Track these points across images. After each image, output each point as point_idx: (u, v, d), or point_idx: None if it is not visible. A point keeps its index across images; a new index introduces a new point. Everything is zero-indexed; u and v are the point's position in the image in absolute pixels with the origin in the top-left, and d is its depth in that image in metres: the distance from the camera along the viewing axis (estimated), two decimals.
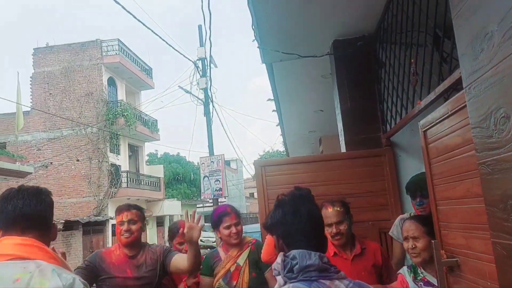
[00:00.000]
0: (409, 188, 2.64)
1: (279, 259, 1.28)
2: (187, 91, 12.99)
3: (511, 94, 1.21)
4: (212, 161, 13.10)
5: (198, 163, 16.80)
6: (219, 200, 13.29)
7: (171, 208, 23.77)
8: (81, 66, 19.87)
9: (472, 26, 1.41)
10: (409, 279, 2.17)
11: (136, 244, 2.59)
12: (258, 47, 4.00)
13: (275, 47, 3.91)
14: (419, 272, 2.17)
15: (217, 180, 12.96)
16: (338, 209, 2.42)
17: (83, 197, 18.84)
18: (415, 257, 2.16)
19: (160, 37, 9.01)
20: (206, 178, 13.06)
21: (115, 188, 18.90)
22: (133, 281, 2.47)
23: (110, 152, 19.66)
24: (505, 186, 1.28)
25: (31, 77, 20.20)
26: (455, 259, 1.98)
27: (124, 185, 19.25)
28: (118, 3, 6.43)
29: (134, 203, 2.84)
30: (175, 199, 26.84)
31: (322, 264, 1.23)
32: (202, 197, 15.09)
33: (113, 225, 17.28)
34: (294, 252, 1.26)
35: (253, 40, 3.94)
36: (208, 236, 23.54)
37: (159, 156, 36.39)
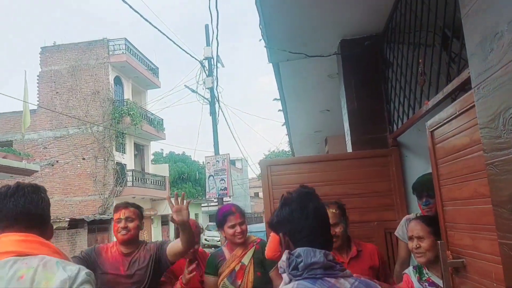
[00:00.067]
0: (416, 188, 2.63)
1: (284, 256, 1.28)
2: (193, 91, 13.03)
3: None
4: (217, 161, 13.12)
5: (203, 162, 16.85)
6: (224, 200, 13.31)
7: None
8: (88, 65, 19.98)
9: (481, 26, 1.41)
10: (414, 279, 2.17)
11: (132, 242, 2.59)
12: (265, 46, 4.00)
13: (282, 46, 3.91)
14: (424, 272, 2.16)
15: (222, 179, 12.98)
16: (334, 211, 2.40)
17: (89, 195, 18.95)
18: (420, 257, 2.16)
19: (167, 37, 9.05)
20: (211, 177, 13.08)
21: (121, 186, 19.00)
22: (125, 278, 2.47)
23: (116, 150, 19.77)
24: None
25: (38, 76, 20.35)
26: (461, 260, 1.97)
27: (129, 183, 19.34)
28: (125, 2, 6.46)
29: (132, 201, 2.85)
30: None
31: (327, 261, 1.23)
32: (207, 196, 15.12)
33: None
34: (299, 250, 1.26)
35: (260, 40, 3.94)
36: (212, 235, 23.58)
37: (164, 155, 36.52)
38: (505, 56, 1.26)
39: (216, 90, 12.57)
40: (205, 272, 2.72)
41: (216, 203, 14.76)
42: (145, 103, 23.10)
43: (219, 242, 18.82)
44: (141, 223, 2.67)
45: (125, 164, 20.34)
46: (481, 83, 1.44)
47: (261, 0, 3.13)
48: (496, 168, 1.37)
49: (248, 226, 2.79)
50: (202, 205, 32.17)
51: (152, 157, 26.96)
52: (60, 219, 15.24)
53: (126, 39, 20.65)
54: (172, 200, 2.40)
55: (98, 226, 17.30)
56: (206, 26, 12.96)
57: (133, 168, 20.80)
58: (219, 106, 12.87)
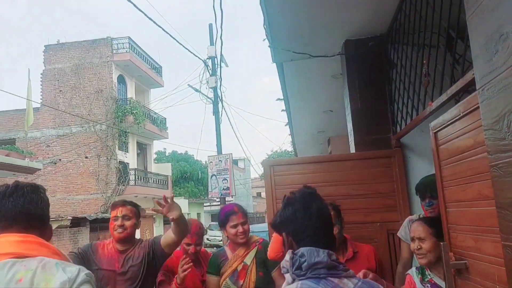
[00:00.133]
0: (419, 189, 2.63)
1: (287, 256, 1.28)
2: (196, 90, 13.06)
3: None
4: (220, 160, 13.15)
5: (206, 162, 16.87)
6: (226, 199, 13.33)
7: None
8: (91, 64, 20.04)
9: (487, 27, 1.40)
10: (416, 280, 2.17)
11: (128, 240, 2.60)
12: (269, 46, 4.00)
13: (286, 46, 3.91)
14: (426, 273, 2.17)
15: (225, 179, 13.01)
16: None
17: (91, 194, 19.01)
18: (421, 258, 2.16)
19: (171, 36, 9.03)
20: (213, 177, 13.11)
21: (123, 185, 19.04)
22: (119, 275, 2.49)
23: (119, 149, 19.82)
24: None
25: (41, 74, 20.42)
26: (464, 261, 1.96)
27: (132, 182, 19.39)
28: (129, 1, 6.47)
29: (135, 200, 2.86)
30: (183, 197, 26.95)
31: (330, 261, 1.23)
32: (209, 196, 15.16)
33: None
34: (302, 250, 1.26)
35: (264, 39, 3.94)
36: (214, 235, 23.61)
37: (167, 154, 36.61)
38: (510, 57, 1.26)
39: (220, 89, 12.60)
40: (207, 272, 2.73)
41: (219, 203, 14.77)
42: (148, 102, 23.15)
43: (221, 242, 18.83)
44: (138, 222, 2.68)
45: (127, 163, 20.39)
46: (486, 84, 1.43)
47: (266, 0, 3.13)
48: (500, 170, 1.37)
49: (250, 226, 2.79)
50: (205, 204, 32.22)
51: (154, 156, 27.02)
52: (62, 217, 15.29)
53: (130, 38, 20.70)
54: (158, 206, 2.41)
55: (100, 224, 17.33)
56: (210, 26, 12.99)
57: (136, 167, 20.85)
58: (222, 105, 12.91)
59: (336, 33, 3.75)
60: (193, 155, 35.39)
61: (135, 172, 19.87)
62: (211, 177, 13.23)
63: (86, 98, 19.73)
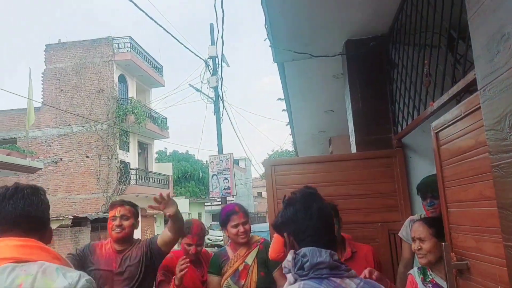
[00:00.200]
0: (420, 189, 2.63)
1: (289, 256, 1.28)
2: (197, 90, 13.07)
3: None
4: (221, 160, 13.17)
5: (207, 162, 16.89)
6: (227, 199, 13.34)
7: (180, 205, 23.65)
8: (93, 63, 20.05)
9: (488, 28, 1.40)
10: (418, 279, 2.18)
11: (127, 240, 2.61)
12: (270, 46, 4.00)
13: (287, 46, 3.91)
14: (428, 273, 2.17)
15: (226, 178, 13.03)
16: None
17: (92, 193, 19.03)
18: (421, 259, 2.17)
19: (172, 35, 9.05)
20: (214, 177, 13.13)
21: (124, 185, 19.06)
22: (116, 275, 2.49)
23: (120, 149, 19.84)
24: None
25: (42, 73, 20.44)
26: (465, 262, 1.97)
27: (133, 182, 19.41)
28: (131, 1, 6.48)
29: (128, 200, 2.86)
30: (184, 197, 26.97)
31: (332, 261, 1.23)
32: (210, 196, 15.17)
33: None
34: (304, 250, 1.26)
35: (265, 39, 3.94)
36: (215, 235, 23.63)
37: (168, 153, 36.64)
38: None
39: (221, 89, 12.61)
40: (208, 272, 2.73)
41: (220, 203, 14.80)
42: (149, 101, 23.17)
43: (222, 242, 18.85)
44: (136, 222, 2.69)
45: (128, 163, 20.41)
46: (487, 85, 1.43)
47: (267, 0, 3.13)
48: (501, 170, 1.37)
49: (251, 226, 2.79)
50: (205, 204, 32.24)
51: (155, 155, 27.04)
52: (63, 217, 15.32)
53: (130, 38, 20.70)
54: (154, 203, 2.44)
55: (101, 224, 17.34)
56: (211, 25, 12.99)
57: (137, 166, 20.87)
58: (223, 105, 12.91)
59: (337, 33, 3.75)
60: (194, 154, 35.45)
61: (136, 171, 19.89)
62: (212, 176, 13.24)
63: (87, 97, 19.75)
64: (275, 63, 4.52)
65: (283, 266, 1.31)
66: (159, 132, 22.84)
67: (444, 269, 2.01)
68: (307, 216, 1.31)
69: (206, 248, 3.22)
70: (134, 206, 2.70)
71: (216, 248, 18.74)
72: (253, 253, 2.66)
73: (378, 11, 3.36)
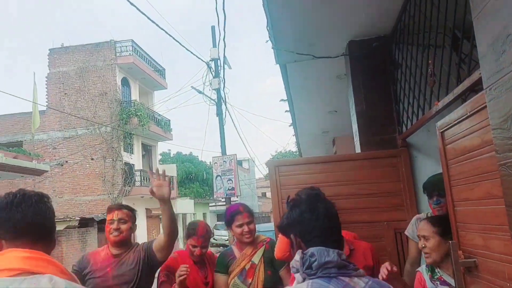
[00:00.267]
0: (426, 188, 2.64)
1: (297, 256, 1.29)
2: (199, 92, 13.07)
3: None
4: (224, 161, 13.17)
5: (210, 163, 16.89)
6: (231, 199, 13.36)
7: (184, 206, 23.94)
8: (96, 67, 20.13)
9: (493, 27, 1.41)
10: (426, 277, 2.19)
11: (124, 244, 2.61)
12: (272, 47, 4.01)
13: (290, 47, 3.92)
14: (436, 271, 2.18)
15: (230, 179, 13.03)
16: None
17: (98, 195, 19.10)
18: (426, 257, 2.19)
19: (174, 38, 9.06)
20: (218, 178, 13.13)
21: (129, 186, 19.12)
22: (112, 279, 2.49)
23: (124, 151, 19.90)
24: None
25: (46, 77, 20.55)
26: (473, 259, 1.97)
27: (137, 183, 19.46)
28: (132, 4, 6.51)
29: (126, 204, 2.88)
30: (188, 197, 27.02)
31: (341, 261, 1.24)
32: (214, 196, 15.18)
33: None
34: (312, 249, 1.26)
35: (267, 41, 3.95)
36: (220, 235, 23.67)
37: (172, 155, 36.69)
38: None
39: (223, 91, 12.62)
40: (215, 271, 2.75)
41: (224, 203, 14.81)
42: (152, 104, 23.22)
43: (228, 242, 18.86)
44: (134, 225, 2.69)
45: (133, 164, 20.47)
46: (493, 84, 1.44)
47: (269, 2, 3.14)
48: (509, 169, 1.38)
49: (256, 226, 2.80)
50: (210, 204, 32.28)
51: (159, 157, 27.09)
52: (70, 218, 15.37)
53: (133, 41, 20.77)
54: (154, 176, 2.49)
55: None
56: (213, 28, 13.01)
57: (141, 168, 20.92)
58: (226, 107, 12.92)
59: (340, 34, 3.75)
60: (197, 156, 35.48)
61: (140, 173, 19.94)
62: (216, 177, 13.25)
63: (91, 100, 19.83)
64: (277, 64, 4.53)
65: (291, 266, 1.32)
66: (163, 134, 22.89)
67: (452, 267, 2.02)
68: (314, 217, 1.31)
69: (212, 248, 3.23)
70: (131, 210, 2.71)
71: (221, 248, 18.77)
72: (260, 252, 2.68)
73: (381, 12, 3.37)
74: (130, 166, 19.96)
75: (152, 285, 2.66)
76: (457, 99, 2.26)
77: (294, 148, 28.23)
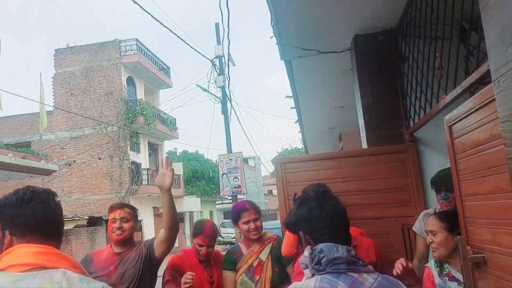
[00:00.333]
0: (434, 183, 2.61)
1: (306, 252, 1.29)
2: (204, 90, 13.08)
3: None
4: (230, 159, 13.18)
5: (216, 161, 16.93)
6: (238, 197, 13.38)
7: (191, 204, 24.04)
8: (101, 66, 20.23)
9: (501, 19, 1.39)
10: (435, 272, 2.18)
11: (126, 242, 2.63)
12: (277, 43, 3.98)
13: (294, 43, 3.89)
14: (444, 266, 2.17)
15: (236, 177, 13.04)
16: None
17: (106, 194, 19.24)
18: (433, 252, 2.19)
19: (178, 36, 9.04)
20: (224, 175, 13.15)
21: (136, 185, 19.24)
22: (115, 278, 2.50)
23: (131, 150, 20.01)
24: None
25: (53, 78, 20.70)
26: (482, 255, 1.95)
27: (144, 182, 19.57)
28: (136, 2, 6.51)
29: (128, 203, 2.90)
30: (195, 195, 27.12)
31: (350, 257, 1.24)
32: (221, 194, 15.20)
33: None
34: (321, 246, 1.27)
35: (272, 37, 3.92)
36: (227, 232, 23.74)
37: (178, 154, 36.81)
38: None
39: (228, 88, 12.61)
40: (223, 268, 2.75)
41: (230, 201, 14.83)
42: (157, 102, 23.29)
43: (234, 239, 18.92)
44: (136, 224, 2.70)
45: (140, 163, 20.58)
46: (502, 76, 1.42)
47: None
48: None
49: (263, 223, 2.80)
50: (217, 202, 32.39)
51: (166, 156, 27.19)
52: (79, 217, 15.52)
53: (137, 40, 20.83)
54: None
55: None
56: (216, 25, 12.99)
57: (148, 167, 21.01)
58: (231, 104, 12.91)
59: (345, 28, 3.72)
60: (203, 154, 35.54)
61: (147, 172, 20.04)
62: (222, 175, 13.27)
63: (97, 100, 19.94)
64: (282, 61, 4.51)
65: (300, 262, 1.31)
66: (169, 133, 22.97)
67: (460, 262, 1.99)
68: (323, 214, 1.31)
69: (219, 246, 3.24)
70: (133, 209, 2.73)
71: (228, 245, 18.81)
72: (267, 249, 2.68)
73: (387, 5, 3.33)
74: (137, 165, 20.07)
75: (155, 283, 2.67)
76: (465, 92, 2.23)
77: (300, 145, 28.18)
